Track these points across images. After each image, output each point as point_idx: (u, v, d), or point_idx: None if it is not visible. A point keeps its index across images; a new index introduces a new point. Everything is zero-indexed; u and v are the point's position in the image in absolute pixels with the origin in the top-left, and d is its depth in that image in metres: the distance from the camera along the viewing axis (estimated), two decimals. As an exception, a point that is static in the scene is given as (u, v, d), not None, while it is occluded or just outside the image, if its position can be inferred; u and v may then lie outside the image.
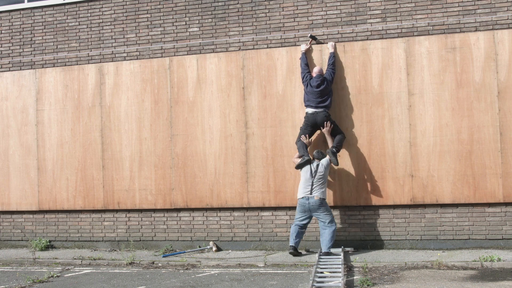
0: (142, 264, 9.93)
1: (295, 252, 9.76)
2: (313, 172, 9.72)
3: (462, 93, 9.80)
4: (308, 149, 10.02)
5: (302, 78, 10.17)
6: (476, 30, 9.83)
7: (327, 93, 9.96)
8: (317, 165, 9.74)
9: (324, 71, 10.20)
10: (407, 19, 10.12)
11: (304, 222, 9.77)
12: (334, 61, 10.15)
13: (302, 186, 9.75)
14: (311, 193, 9.64)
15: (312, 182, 9.67)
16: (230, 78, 10.75)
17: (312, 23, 10.54)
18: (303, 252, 10.14)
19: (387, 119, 10.06)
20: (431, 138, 9.88)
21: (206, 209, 10.92)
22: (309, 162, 9.78)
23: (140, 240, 11.26)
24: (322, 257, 9.26)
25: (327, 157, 9.81)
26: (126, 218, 11.33)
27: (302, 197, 9.70)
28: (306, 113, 9.99)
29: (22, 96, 11.82)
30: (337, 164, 9.82)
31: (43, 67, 11.79)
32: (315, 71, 10.13)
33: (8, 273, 9.69)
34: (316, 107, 9.90)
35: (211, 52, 10.92)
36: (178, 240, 11.07)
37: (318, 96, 9.90)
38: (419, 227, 10.03)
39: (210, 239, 10.91)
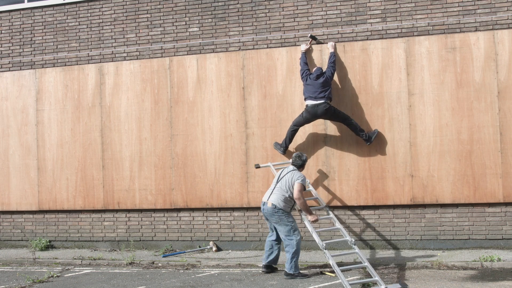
0: (142, 264, 9.93)
1: (267, 270, 8.83)
2: (279, 177, 8.80)
3: (462, 93, 9.80)
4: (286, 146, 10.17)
5: (301, 75, 10.09)
6: (476, 30, 9.83)
7: (327, 85, 9.81)
8: (287, 173, 8.74)
9: (324, 70, 10.16)
10: (407, 19, 10.12)
11: (273, 231, 8.76)
12: (335, 60, 10.12)
13: (268, 189, 8.94)
14: (268, 198, 8.68)
15: (274, 187, 8.73)
16: (230, 78, 10.75)
17: (312, 23, 10.54)
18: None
19: (387, 119, 10.06)
20: (431, 138, 9.88)
21: (206, 209, 10.92)
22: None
23: (140, 240, 11.26)
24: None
25: (301, 174, 8.68)
26: (126, 218, 11.33)
27: (262, 201, 8.84)
28: (306, 105, 9.87)
29: (22, 96, 11.83)
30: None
31: (43, 67, 11.79)
32: (314, 69, 10.10)
33: (8, 273, 9.69)
34: (315, 99, 9.72)
35: (211, 52, 10.93)
36: (178, 240, 11.07)
37: (317, 87, 9.74)
38: (419, 227, 10.04)
39: (210, 239, 10.91)
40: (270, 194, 8.66)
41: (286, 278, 8.41)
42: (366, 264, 8.08)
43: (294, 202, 8.63)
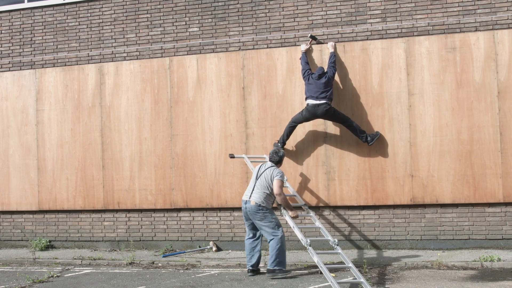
0: (142, 264, 9.93)
1: (254, 273, 8.67)
2: (258, 173, 8.75)
3: (462, 93, 9.80)
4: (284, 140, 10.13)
5: (303, 74, 10.07)
6: (476, 30, 9.83)
7: (328, 86, 9.79)
8: (266, 169, 8.69)
9: (325, 69, 10.14)
10: (407, 19, 10.12)
11: (251, 232, 8.73)
12: (335, 60, 10.11)
13: (248, 187, 8.86)
14: (250, 197, 8.62)
15: (254, 185, 8.67)
16: (230, 78, 10.75)
17: (312, 23, 10.54)
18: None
19: (387, 119, 10.06)
20: (431, 138, 9.88)
21: (206, 209, 10.92)
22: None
23: (140, 240, 11.26)
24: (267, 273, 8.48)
25: (280, 170, 8.66)
26: (126, 218, 11.33)
27: (243, 200, 8.75)
28: (307, 104, 9.85)
29: (22, 96, 11.82)
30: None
31: (43, 67, 11.79)
32: (316, 69, 10.09)
33: (8, 273, 9.69)
34: (317, 98, 9.71)
35: (211, 52, 10.93)
36: (178, 240, 11.07)
37: (320, 87, 9.71)
38: (419, 227, 10.03)
39: (210, 239, 10.91)
40: (251, 193, 8.61)
41: (268, 276, 8.38)
42: (350, 265, 8.03)
43: (275, 197, 8.65)
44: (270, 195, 8.59)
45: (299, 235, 8.47)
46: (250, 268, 8.71)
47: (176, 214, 11.09)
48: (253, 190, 8.64)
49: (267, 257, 8.91)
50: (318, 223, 9.02)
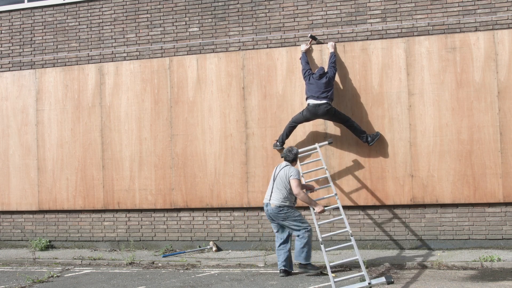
0: (142, 264, 9.94)
1: (286, 274, 8.64)
2: (275, 175, 8.77)
3: (462, 93, 9.80)
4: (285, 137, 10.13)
5: (304, 74, 10.06)
6: (476, 30, 9.83)
7: (329, 86, 9.80)
8: (281, 170, 8.70)
9: (326, 69, 10.14)
10: (407, 19, 10.13)
11: (278, 233, 8.75)
12: (335, 60, 10.11)
13: (267, 189, 8.89)
14: (269, 199, 8.68)
15: (272, 187, 8.71)
16: (230, 78, 10.76)
17: (312, 23, 10.54)
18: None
19: (387, 119, 10.06)
20: (431, 138, 9.88)
21: (206, 209, 10.92)
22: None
23: (140, 240, 11.26)
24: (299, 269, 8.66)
25: (294, 169, 8.64)
26: (126, 218, 11.34)
27: (264, 203, 8.81)
28: (308, 104, 9.85)
29: (22, 96, 11.83)
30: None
31: (43, 67, 11.79)
32: (317, 69, 10.09)
33: (8, 273, 9.69)
34: (317, 98, 9.71)
35: (211, 52, 10.93)
36: (178, 240, 11.07)
37: (320, 87, 9.72)
38: (419, 227, 10.04)
39: (210, 239, 10.91)
40: (271, 195, 8.66)
41: (300, 271, 8.57)
42: (358, 257, 8.04)
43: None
44: (289, 195, 8.60)
45: (318, 233, 8.45)
46: (283, 268, 8.67)
47: (176, 214, 11.09)
48: (272, 192, 8.68)
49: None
50: (342, 214, 8.91)
